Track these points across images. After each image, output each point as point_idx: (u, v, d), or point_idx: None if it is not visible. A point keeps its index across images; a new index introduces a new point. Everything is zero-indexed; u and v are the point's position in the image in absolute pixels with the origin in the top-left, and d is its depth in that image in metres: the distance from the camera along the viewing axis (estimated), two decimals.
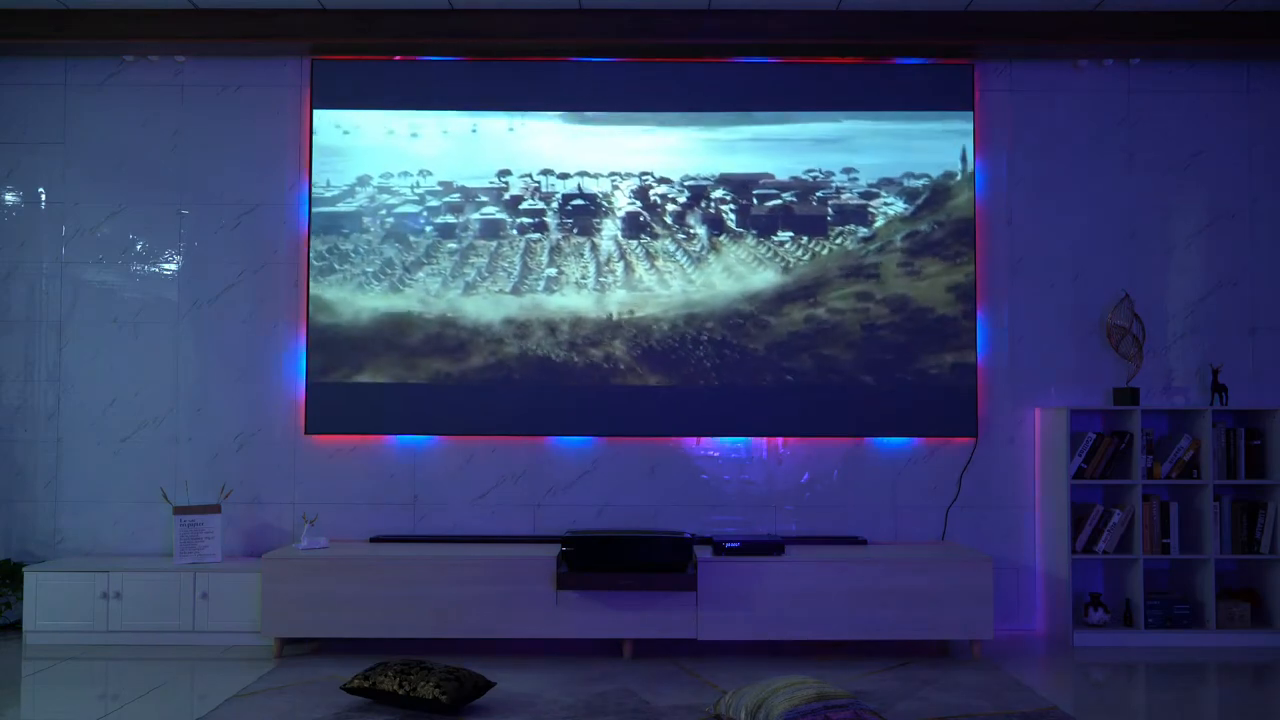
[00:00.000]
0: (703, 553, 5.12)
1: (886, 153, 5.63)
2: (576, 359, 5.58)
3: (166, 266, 5.70)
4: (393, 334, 5.59)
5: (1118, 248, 5.70)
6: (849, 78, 5.65)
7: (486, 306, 5.60)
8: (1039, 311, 5.69)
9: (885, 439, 5.63)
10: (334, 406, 5.59)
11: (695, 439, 5.63)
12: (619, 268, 5.60)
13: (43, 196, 5.71)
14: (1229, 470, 5.42)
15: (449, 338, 5.58)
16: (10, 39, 5.45)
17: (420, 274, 5.62)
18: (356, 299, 5.60)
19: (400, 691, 4.02)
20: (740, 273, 5.61)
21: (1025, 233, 5.70)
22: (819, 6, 5.39)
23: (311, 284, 5.59)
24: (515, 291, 5.60)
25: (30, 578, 5.21)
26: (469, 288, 5.59)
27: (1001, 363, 5.67)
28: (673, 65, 5.66)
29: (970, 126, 5.62)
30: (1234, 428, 5.45)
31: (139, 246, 5.70)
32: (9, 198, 5.72)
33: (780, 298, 5.60)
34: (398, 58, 5.67)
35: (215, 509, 5.38)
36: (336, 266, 5.61)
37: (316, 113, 5.64)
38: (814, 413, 5.58)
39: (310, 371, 5.59)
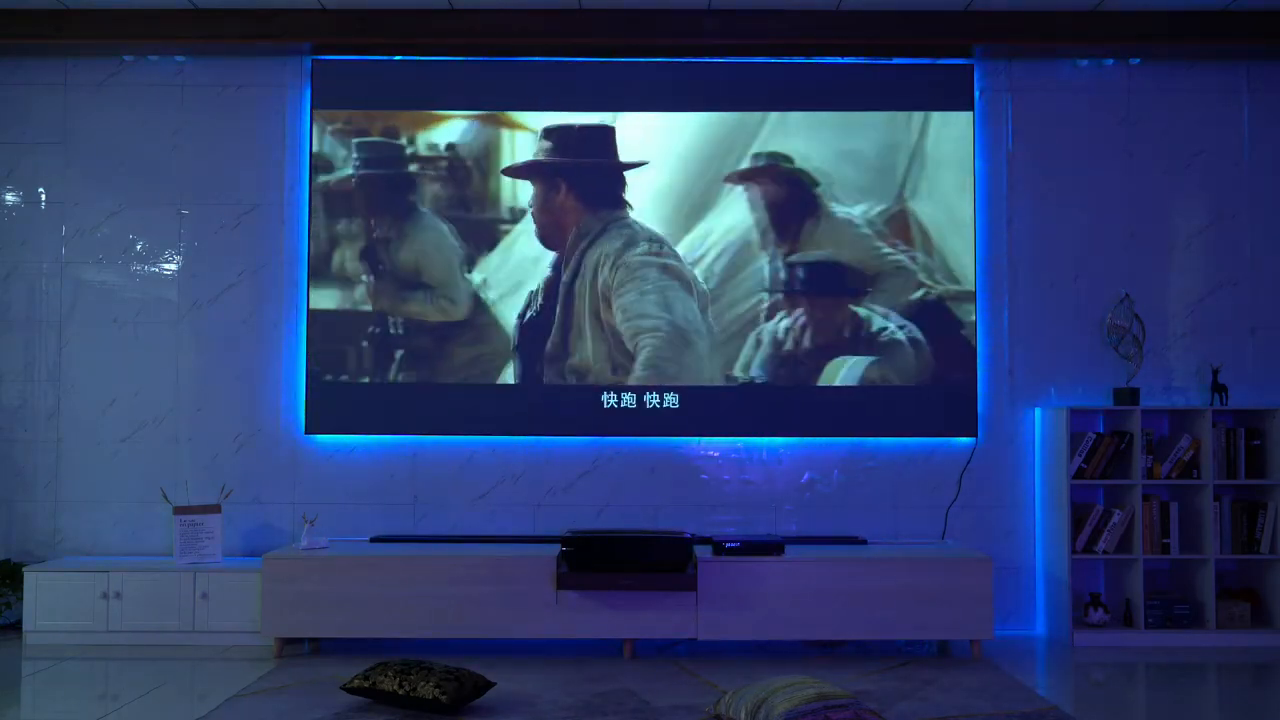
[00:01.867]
0: (703, 553, 5.12)
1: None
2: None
3: (166, 266, 5.70)
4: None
5: (1118, 248, 5.70)
6: (849, 77, 5.65)
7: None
8: (1039, 311, 5.68)
9: (885, 439, 5.63)
10: (334, 406, 5.59)
11: (695, 439, 5.64)
12: None
13: (43, 196, 5.71)
14: (1229, 470, 5.42)
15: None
16: (10, 39, 5.45)
17: None
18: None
19: (400, 691, 4.02)
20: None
21: (1025, 233, 5.70)
22: (819, 6, 5.39)
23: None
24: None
25: (30, 578, 5.21)
26: None
27: (1001, 362, 5.67)
28: (673, 65, 5.66)
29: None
30: (1234, 428, 5.45)
31: (139, 246, 5.70)
32: (9, 198, 5.72)
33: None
34: (398, 58, 5.68)
35: (215, 509, 5.38)
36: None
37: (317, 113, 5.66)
38: (813, 412, 5.57)
39: (310, 371, 5.60)
